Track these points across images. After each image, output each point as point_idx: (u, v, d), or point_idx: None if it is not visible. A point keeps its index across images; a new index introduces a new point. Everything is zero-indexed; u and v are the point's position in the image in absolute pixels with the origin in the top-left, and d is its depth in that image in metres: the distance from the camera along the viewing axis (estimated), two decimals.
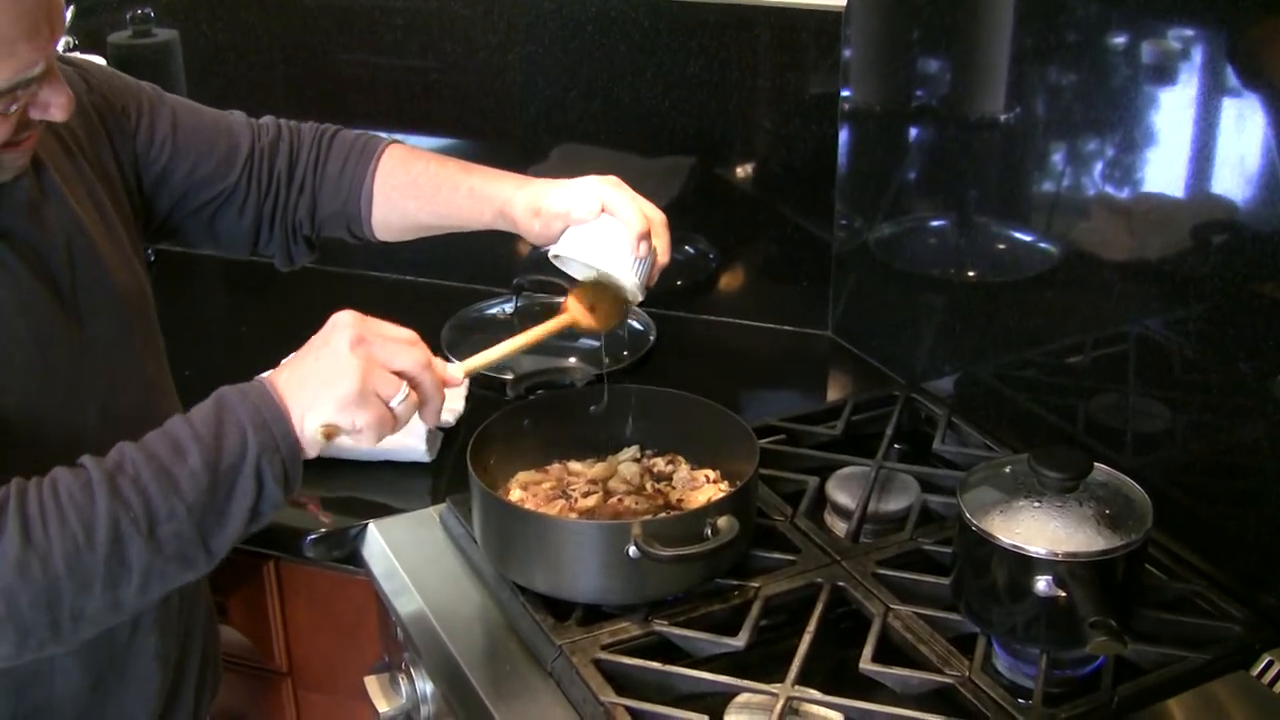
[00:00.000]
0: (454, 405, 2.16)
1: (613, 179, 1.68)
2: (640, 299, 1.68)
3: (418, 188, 1.77)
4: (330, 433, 1.36)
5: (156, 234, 1.75)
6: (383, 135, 1.83)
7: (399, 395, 1.38)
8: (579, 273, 1.70)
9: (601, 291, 1.68)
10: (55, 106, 1.35)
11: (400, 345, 1.39)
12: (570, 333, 2.39)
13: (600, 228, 1.63)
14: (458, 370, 1.50)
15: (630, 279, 1.62)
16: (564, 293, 1.72)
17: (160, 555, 1.28)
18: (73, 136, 1.56)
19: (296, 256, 1.85)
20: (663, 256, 1.66)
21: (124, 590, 1.28)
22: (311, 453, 1.37)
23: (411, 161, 1.80)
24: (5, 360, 1.39)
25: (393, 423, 1.39)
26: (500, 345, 1.59)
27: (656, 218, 1.66)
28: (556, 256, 1.68)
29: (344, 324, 1.38)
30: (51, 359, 1.44)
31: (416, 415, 2.00)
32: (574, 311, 1.67)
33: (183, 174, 1.71)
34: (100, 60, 2.57)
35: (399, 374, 1.38)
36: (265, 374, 1.37)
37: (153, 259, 2.52)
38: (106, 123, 1.63)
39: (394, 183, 1.78)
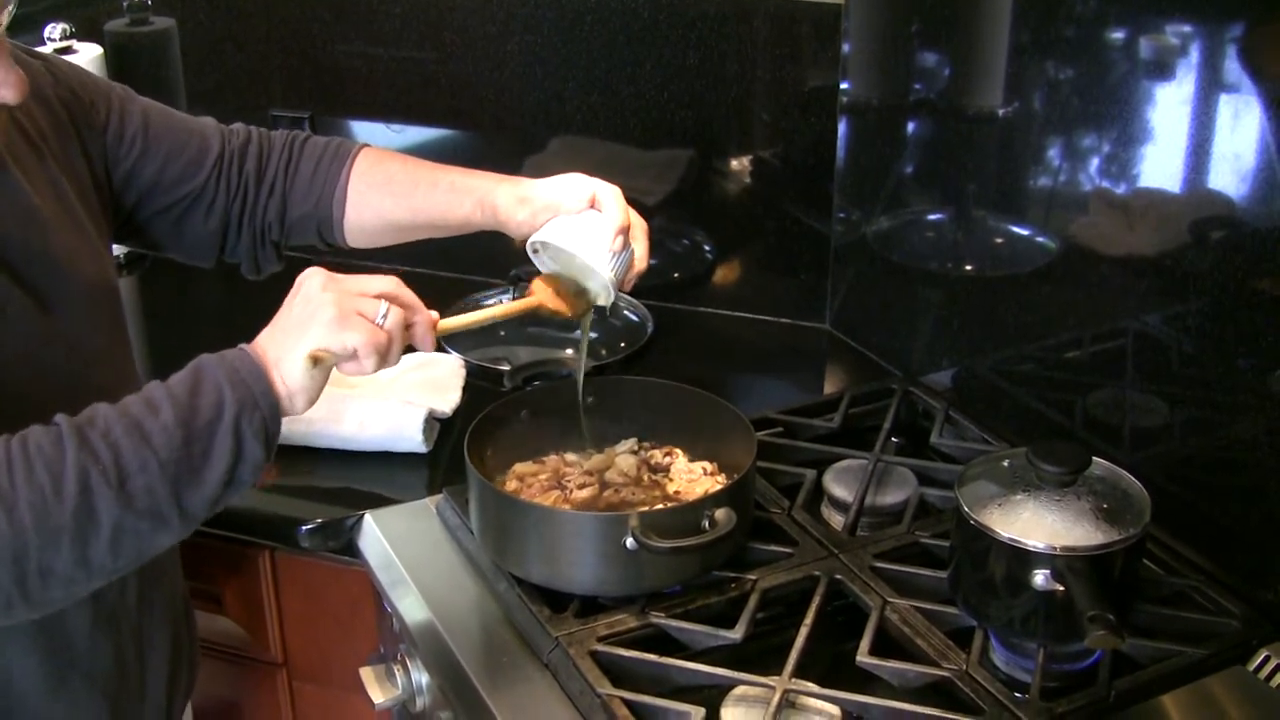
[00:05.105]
0: (450, 396, 2.15)
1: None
2: (611, 299, 1.70)
3: (394, 184, 1.78)
4: (319, 357, 1.35)
5: (122, 232, 1.74)
6: (375, 124, 1.82)
7: (380, 310, 1.39)
8: (550, 268, 1.72)
9: (566, 284, 1.70)
10: (5, 86, 1.33)
11: (370, 276, 1.42)
12: (568, 323, 2.40)
13: (584, 220, 1.67)
14: (434, 315, 1.50)
15: (606, 272, 1.65)
16: None
17: (131, 510, 1.26)
18: (37, 130, 1.55)
19: (264, 263, 1.84)
20: (640, 262, 1.70)
21: (93, 546, 1.25)
22: (301, 400, 1.36)
23: (387, 161, 1.81)
24: None
25: (387, 341, 1.39)
26: (468, 315, 1.59)
27: (640, 223, 1.70)
28: (535, 247, 1.70)
29: (311, 273, 1.40)
30: (13, 339, 1.43)
31: (411, 413, 2.00)
32: (540, 294, 1.69)
33: (151, 173, 1.70)
34: (97, 49, 2.58)
35: (376, 296, 1.40)
36: None
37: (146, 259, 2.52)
38: (74, 117, 1.61)
39: (369, 181, 1.78)
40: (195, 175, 1.73)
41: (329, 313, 1.35)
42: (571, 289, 1.69)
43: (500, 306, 1.66)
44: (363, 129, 2.77)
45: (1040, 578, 1.48)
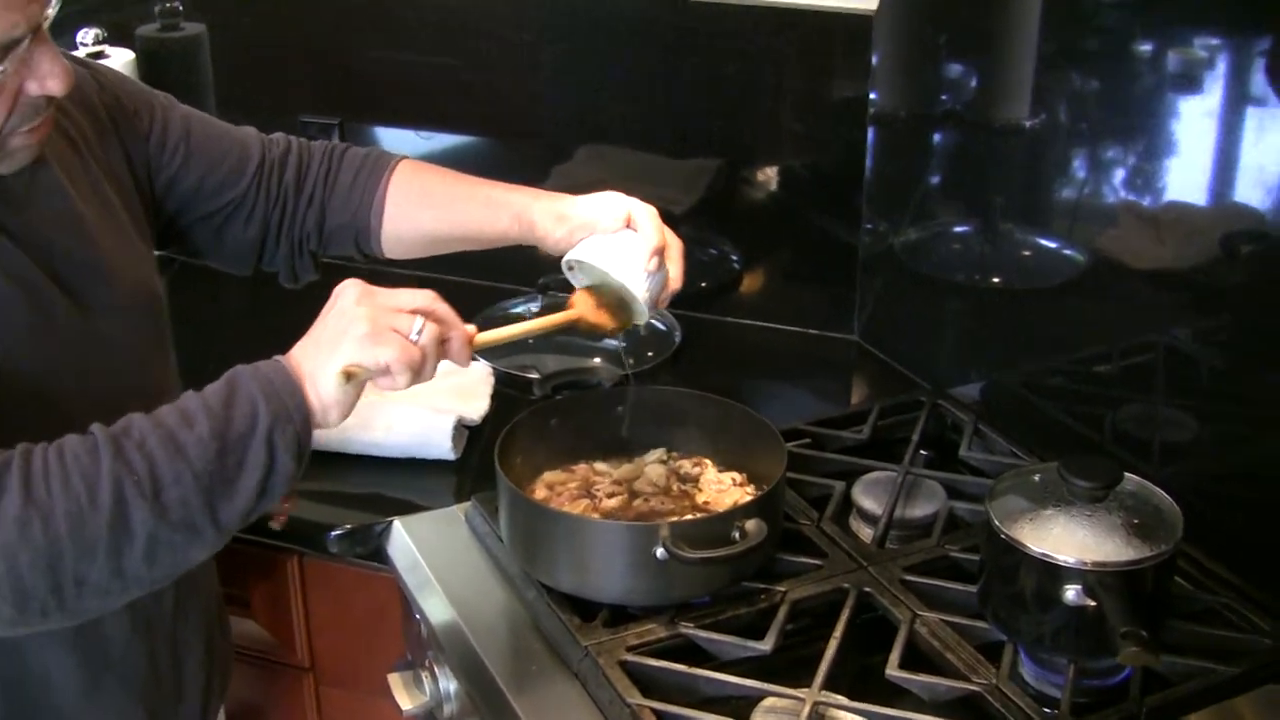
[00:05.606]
0: (479, 404, 2.16)
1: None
2: (647, 317, 1.69)
3: (431, 197, 1.79)
4: (351, 372, 1.35)
5: (163, 238, 1.75)
6: (405, 131, 1.82)
7: (415, 326, 1.38)
8: (586, 285, 1.73)
9: (608, 296, 1.69)
10: (51, 77, 1.34)
11: (406, 290, 1.41)
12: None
13: (619, 239, 1.67)
14: (471, 329, 1.49)
15: (642, 292, 1.65)
16: None
17: (165, 522, 1.26)
18: (81, 134, 1.56)
19: (301, 272, 1.85)
20: (675, 282, 1.70)
21: (128, 557, 1.26)
22: (334, 414, 1.36)
23: (425, 173, 1.82)
24: (3, 324, 1.38)
25: (420, 358, 1.39)
26: (506, 329, 1.59)
27: (675, 243, 1.70)
28: (570, 265, 1.70)
29: (348, 285, 1.40)
30: (55, 344, 1.44)
31: (441, 420, 2.01)
32: (581, 307, 1.69)
33: (193, 181, 1.71)
34: (129, 54, 2.59)
35: (411, 312, 1.39)
36: None
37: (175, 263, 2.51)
38: (118, 124, 1.63)
39: (406, 194, 1.79)
40: (236, 183, 1.74)
41: (362, 328, 1.35)
42: (613, 301, 1.68)
43: (539, 320, 1.66)
44: (392, 136, 2.78)
45: (1071, 593, 1.48)
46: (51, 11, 1.33)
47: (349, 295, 1.39)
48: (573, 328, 1.70)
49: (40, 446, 1.26)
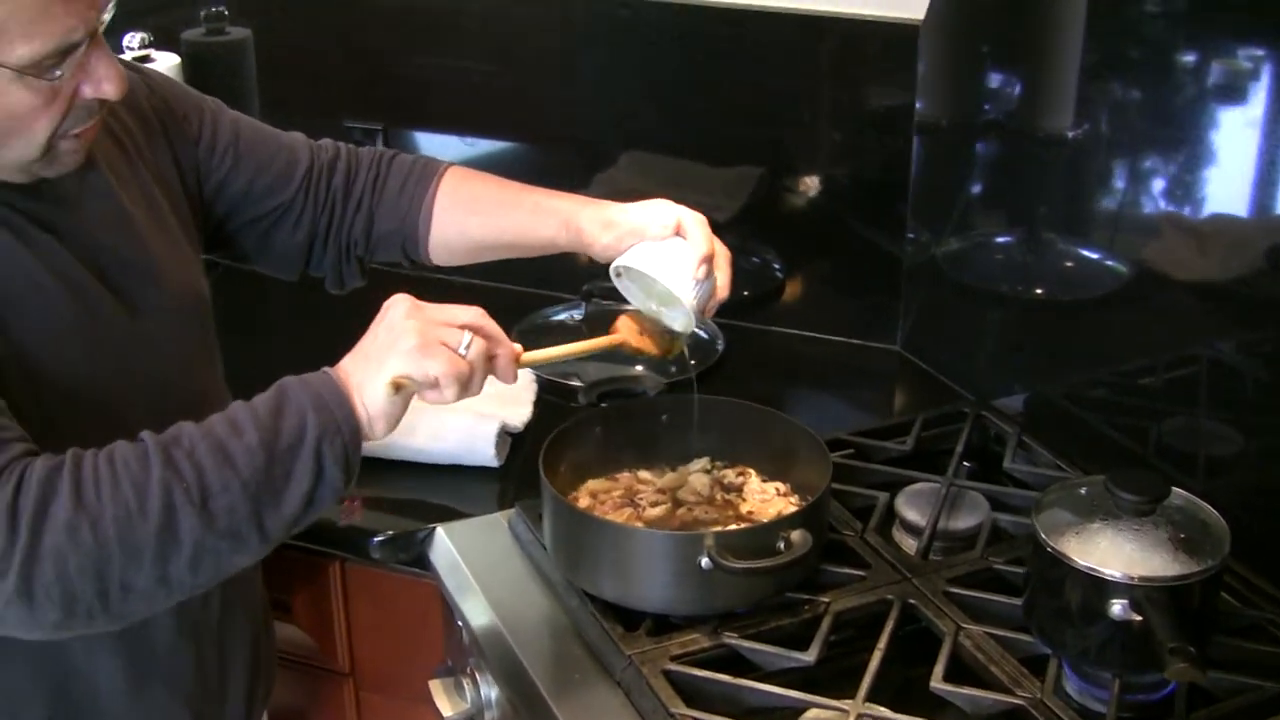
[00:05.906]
0: (522, 411, 2.16)
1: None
2: (692, 326, 1.70)
3: (479, 204, 1.79)
4: (400, 384, 1.36)
5: (211, 243, 1.76)
6: (448, 137, 1.82)
7: (464, 340, 1.39)
8: (634, 296, 1.74)
9: (650, 322, 1.71)
10: (107, 81, 1.35)
11: (455, 306, 1.42)
12: None
13: (668, 246, 1.67)
14: (517, 348, 1.50)
15: (689, 299, 1.65)
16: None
17: (212, 530, 1.27)
18: (130, 138, 1.57)
19: (348, 278, 1.85)
20: (722, 291, 1.69)
21: (174, 564, 1.27)
22: (380, 425, 1.37)
23: (473, 180, 1.82)
24: (50, 325, 1.39)
25: (469, 371, 1.39)
26: (551, 349, 1.60)
27: (723, 251, 1.69)
28: (618, 271, 1.71)
29: (397, 299, 1.41)
30: (101, 343, 1.45)
31: (485, 427, 2.01)
32: (624, 332, 1.70)
33: (241, 185, 1.72)
34: (174, 58, 2.60)
35: (460, 327, 1.40)
36: None
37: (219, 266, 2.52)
38: (167, 128, 1.64)
39: (454, 200, 1.79)
40: (284, 188, 1.75)
41: (411, 341, 1.36)
42: (656, 328, 1.69)
43: (583, 343, 1.66)
44: (435, 141, 2.79)
45: (1118, 607, 1.47)
46: (107, 16, 1.34)
47: (398, 309, 1.40)
48: (620, 352, 1.71)
49: (90, 452, 1.28)
